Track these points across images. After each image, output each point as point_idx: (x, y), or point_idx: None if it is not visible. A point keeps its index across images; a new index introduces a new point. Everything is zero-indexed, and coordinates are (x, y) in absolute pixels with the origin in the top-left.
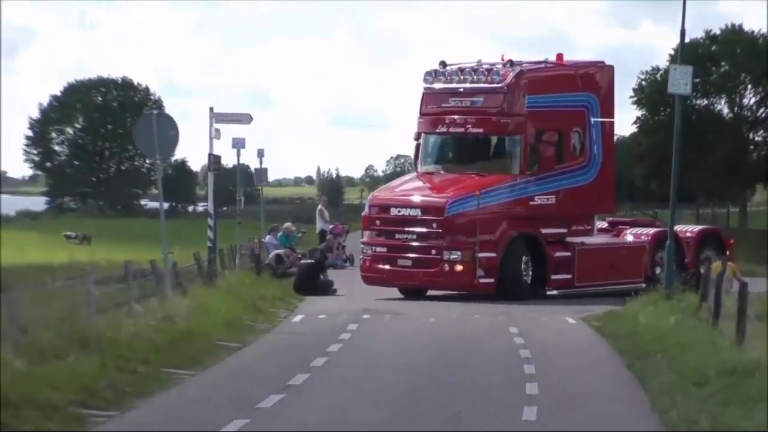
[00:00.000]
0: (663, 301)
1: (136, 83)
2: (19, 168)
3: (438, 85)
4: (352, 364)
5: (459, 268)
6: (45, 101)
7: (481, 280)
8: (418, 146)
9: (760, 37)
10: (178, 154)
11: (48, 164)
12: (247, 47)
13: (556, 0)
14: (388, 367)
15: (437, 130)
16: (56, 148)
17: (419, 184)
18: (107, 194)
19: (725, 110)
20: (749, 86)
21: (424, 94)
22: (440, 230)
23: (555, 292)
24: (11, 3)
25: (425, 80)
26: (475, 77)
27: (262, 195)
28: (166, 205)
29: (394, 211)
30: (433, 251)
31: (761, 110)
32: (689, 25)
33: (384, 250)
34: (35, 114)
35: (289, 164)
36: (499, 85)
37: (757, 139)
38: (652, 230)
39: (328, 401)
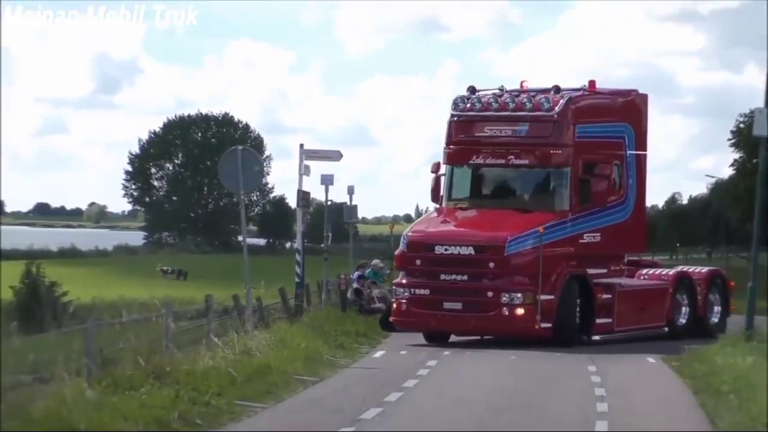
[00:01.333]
0: (743, 342)
1: (236, 120)
2: (119, 203)
3: (471, 112)
4: (427, 400)
5: (520, 312)
6: (145, 137)
7: (542, 325)
8: (438, 179)
9: None
10: (277, 191)
11: (147, 199)
12: (349, 84)
13: (658, 40)
14: (462, 403)
15: (472, 162)
16: (155, 183)
17: (460, 220)
18: (205, 230)
19: None
20: None
21: (452, 121)
22: (498, 270)
23: (598, 337)
24: (115, 38)
25: (455, 106)
26: (517, 104)
27: (350, 231)
28: (263, 242)
29: (439, 250)
30: (489, 293)
31: None
32: None
33: (426, 292)
34: (135, 149)
35: (390, 202)
36: (549, 113)
37: None
38: (671, 272)
39: None
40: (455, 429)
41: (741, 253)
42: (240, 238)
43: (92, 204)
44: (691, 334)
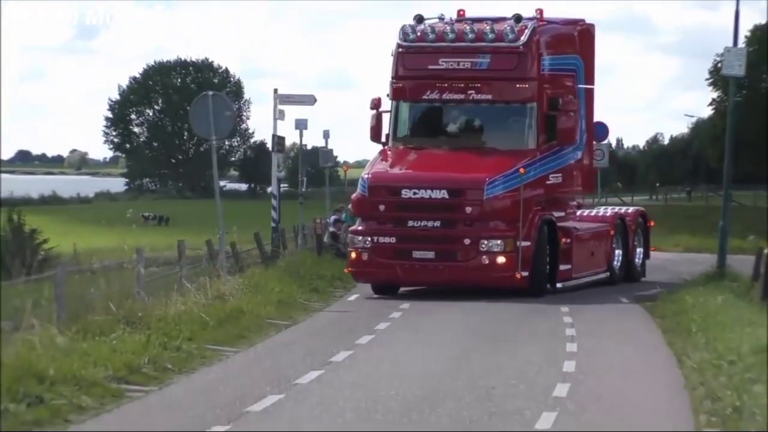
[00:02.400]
0: (715, 282)
1: (215, 65)
2: (100, 150)
3: (424, 43)
4: (396, 343)
5: (501, 260)
6: (124, 83)
7: (522, 274)
8: (379, 116)
9: None
10: (258, 136)
11: (127, 146)
12: (329, 29)
13: None
14: (430, 345)
15: (425, 97)
16: (136, 129)
17: (423, 161)
18: (186, 175)
19: None
20: None
21: (400, 53)
22: (476, 215)
23: (560, 285)
24: None
25: (404, 36)
26: (477, 34)
27: (326, 175)
28: (244, 187)
29: (407, 193)
30: (466, 240)
31: None
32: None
33: (391, 240)
34: (115, 95)
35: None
36: (514, 44)
37: None
38: (607, 212)
39: (364, 378)
40: (424, 370)
41: (720, 191)
42: (222, 183)
43: (73, 151)
44: (624, 279)
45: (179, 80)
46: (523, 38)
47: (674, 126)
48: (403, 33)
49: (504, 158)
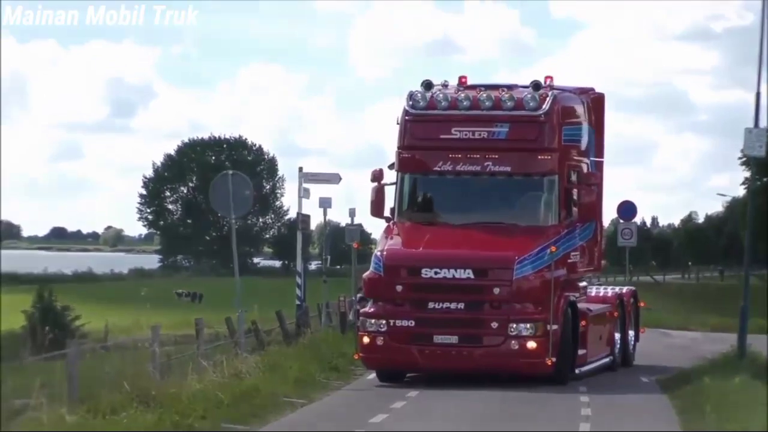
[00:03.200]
0: (735, 361)
1: (249, 142)
2: (135, 227)
3: (435, 110)
4: (412, 421)
5: (531, 345)
6: (159, 160)
7: (552, 360)
8: (381, 189)
9: None
10: (292, 213)
11: (161, 222)
12: (362, 107)
13: (670, 58)
14: (448, 421)
15: (437, 168)
16: (170, 206)
17: (441, 238)
18: (220, 252)
19: None
20: None
21: (409, 120)
22: (504, 296)
23: (578, 371)
24: (129, 62)
25: (413, 104)
26: (495, 101)
27: (353, 253)
28: (278, 264)
29: (427, 273)
30: (494, 324)
31: None
32: None
33: (410, 323)
34: (149, 173)
35: None
36: (535, 112)
37: None
38: (609, 293)
39: None
40: None
41: (754, 272)
42: (256, 260)
43: (108, 228)
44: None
45: (213, 158)
46: (545, 107)
47: (709, 205)
48: (412, 99)
49: (528, 235)
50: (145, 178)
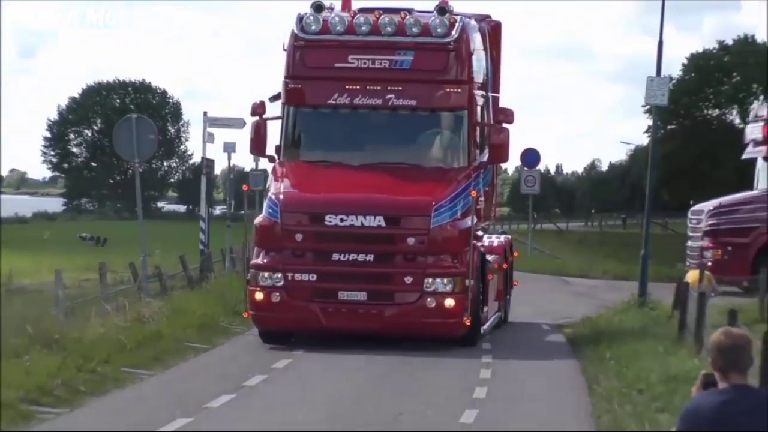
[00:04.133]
0: (636, 309)
1: (153, 86)
2: (39, 169)
3: (329, 35)
4: (312, 367)
5: (450, 302)
6: (63, 103)
7: (468, 320)
8: (262, 124)
9: None
10: (197, 158)
11: (66, 166)
12: (269, 50)
13: (580, 9)
14: (344, 370)
15: (330, 102)
16: (74, 149)
17: (342, 180)
18: (124, 196)
19: (737, 120)
20: (761, 97)
21: (298, 47)
22: (420, 247)
23: (484, 327)
24: (29, 3)
25: (303, 27)
26: (398, 26)
27: (256, 199)
28: (183, 208)
29: (332, 220)
30: (408, 279)
31: None
32: (707, 35)
33: (311, 277)
34: (53, 115)
35: None
36: (444, 39)
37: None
38: (495, 242)
39: (275, 402)
40: (335, 394)
41: (656, 219)
42: (161, 204)
43: (12, 170)
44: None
45: (118, 101)
46: (455, 33)
47: (613, 153)
48: (303, 23)
49: (440, 178)
50: (50, 120)
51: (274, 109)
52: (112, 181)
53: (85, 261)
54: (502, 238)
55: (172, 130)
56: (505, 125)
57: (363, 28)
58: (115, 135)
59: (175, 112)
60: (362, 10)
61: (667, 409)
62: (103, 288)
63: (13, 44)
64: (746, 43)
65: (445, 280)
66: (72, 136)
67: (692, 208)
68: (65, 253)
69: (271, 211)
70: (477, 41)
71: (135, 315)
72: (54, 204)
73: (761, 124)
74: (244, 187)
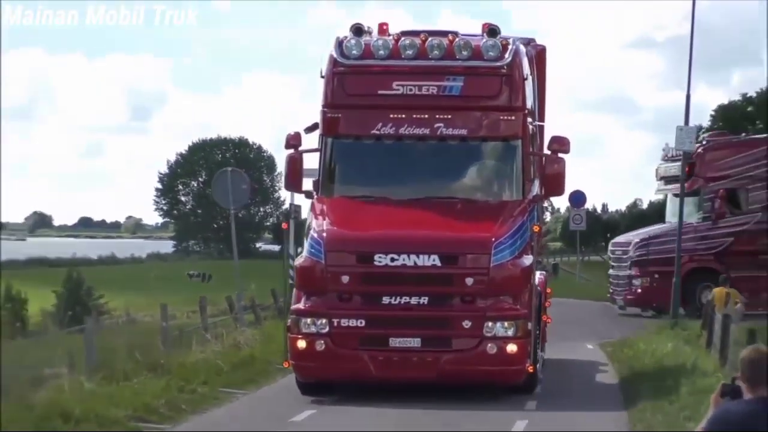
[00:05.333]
0: (668, 330)
1: (251, 142)
2: (152, 216)
3: (371, 60)
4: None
5: (512, 348)
6: (172, 158)
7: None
8: (297, 158)
9: None
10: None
11: (175, 212)
12: None
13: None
14: (409, 394)
15: (374, 132)
16: (182, 198)
17: (390, 217)
18: (225, 239)
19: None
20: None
21: (337, 73)
22: (480, 288)
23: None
24: (146, 69)
25: (342, 52)
26: (446, 50)
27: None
28: (277, 248)
29: (382, 260)
30: (466, 323)
31: None
32: (734, 89)
33: (359, 323)
34: (164, 169)
35: None
36: (497, 63)
37: None
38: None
39: (350, 419)
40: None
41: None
42: (258, 245)
43: (129, 217)
44: None
45: (220, 156)
46: (508, 56)
47: (653, 193)
48: (342, 47)
49: (496, 213)
50: (161, 173)
51: (310, 141)
52: (215, 226)
53: (192, 296)
54: (540, 274)
55: (267, 180)
56: (561, 155)
57: (409, 51)
58: (214, 186)
59: (269, 164)
60: (405, 33)
61: (694, 418)
62: (203, 319)
63: (127, 107)
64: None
65: (506, 324)
66: (180, 186)
67: (613, 241)
68: (174, 289)
69: (313, 250)
70: (526, 65)
71: (231, 342)
72: (165, 246)
73: (677, 163)
74: (284, 226)
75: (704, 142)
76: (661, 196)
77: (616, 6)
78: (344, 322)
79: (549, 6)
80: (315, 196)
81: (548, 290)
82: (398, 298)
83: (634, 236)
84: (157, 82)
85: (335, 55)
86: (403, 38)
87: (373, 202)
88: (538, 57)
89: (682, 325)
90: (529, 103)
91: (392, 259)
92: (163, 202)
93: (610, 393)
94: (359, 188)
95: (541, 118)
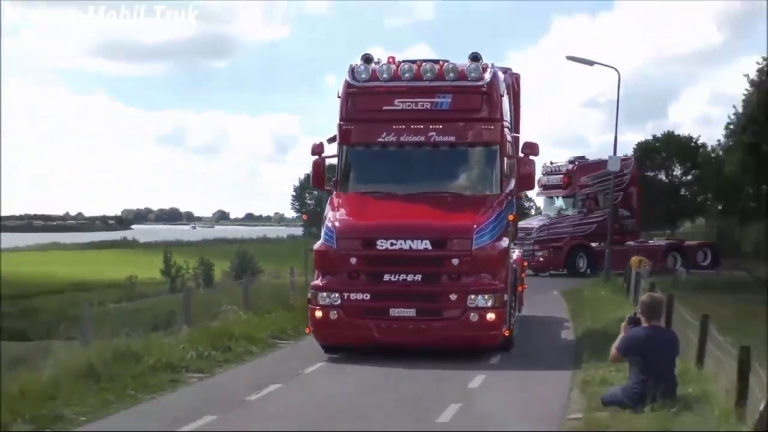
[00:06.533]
0: (602, 283)
1: None
2: (289, 212)
3: (377, 82)
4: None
5: (491, 316)
6: (302, 177)
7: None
8: (321, 162)
9: (684, 138)
10: None
11: (304, 210)
12: None
13: (577, 117)
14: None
15: (380, 140)
16: (308, 201)
17: (391, 209)
18: None
19: (663, 177)
20: (678, 165)
21: (351, 93)
22: (463, 267)
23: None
24: (284, 123)
25: (354, 76)
26: (437, 72)
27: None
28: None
29: (383, 245)
30: (452, 296)
31: (684, 178)
32: (647, 132)
33: (365, 297)
34: (296, 183)
35: None
36: (479, 82)
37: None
38: (517, 253)
39: (340, 373)
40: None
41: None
42: None
43: (276, 213)
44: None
45: None
46: (487, 77)
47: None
48: (354, 72)
49: (478, 205)
50: (295, 186)
51: (331, 149)
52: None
53: (311, 264)
54: (518, 251)
55: None
56: (531, 157)
57: (407, 75)
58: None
59: None
60: (405, 61)
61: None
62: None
63: (274, 145)
64: (670, 135)
65: (486, 296)
66: (307, 195)
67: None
68: (301, 258)
69: (327, 237)
70: (503, 86)
71: None
72: (298, 230)
73: (555, 176)
74: (304, 217)
75: (576, 163)
76: (541, 198)
77: (576, 78)
78: (353, 296)
79: (527, 77)
80: (334, 193)
81: (524, 264)
82: (397, 276)
83: (534, 222)
84: (290, 130)
85: (348, 79)
86: (402, 64)
87: (378, 198)
88: (515, 82)
89: (612, 281)
90: (506, 116)
91: (392, 244)
92: (296, 204)
93: (567, 350)
94: (368, 185)
95: (517, 130)
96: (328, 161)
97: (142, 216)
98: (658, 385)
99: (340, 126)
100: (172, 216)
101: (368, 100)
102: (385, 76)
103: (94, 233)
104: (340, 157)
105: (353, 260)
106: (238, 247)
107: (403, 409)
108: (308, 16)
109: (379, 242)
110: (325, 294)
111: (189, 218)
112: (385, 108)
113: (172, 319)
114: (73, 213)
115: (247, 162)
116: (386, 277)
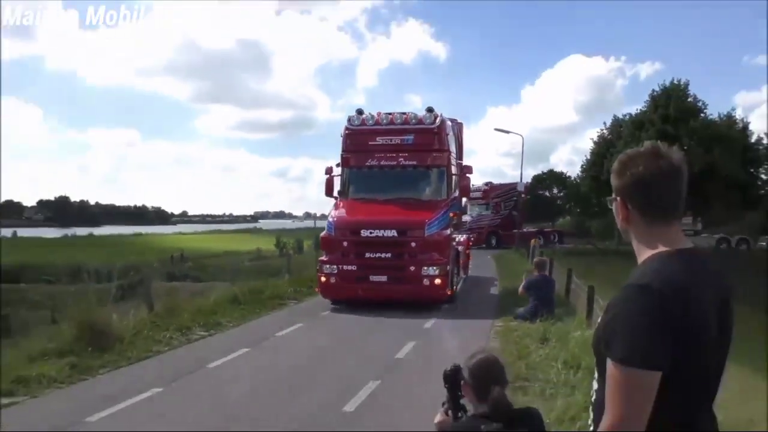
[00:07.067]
0: (514, 251)
1: None
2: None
3: (365, 126)
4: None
5: (437, 281)
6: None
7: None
8: (332, 179)
9: (558, 173)
10: None
11: None
12: None
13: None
14: (368, 309)
15: (367, 164)
16: None
17: (372, 209)
18: None
19: (547, 194)
20: (555, 188)
21: (348, 134)
22: (418, 248)
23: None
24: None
25: (350, 122)
26: (404, 119)
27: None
28: None
29: (365, 233)
30: (411, 268)
31: (558, 194)
32: (544, 167)
33: (353, 268)
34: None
35: None
36: (432, 126)
37: (558, 202)
38: (462, 237)
39: (333, 320)
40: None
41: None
42: None
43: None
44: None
45: None
46: (437, 122)
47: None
48: (350, 120)
49: (430, 206)
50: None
51: (337, 171)
52: None
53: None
54: (465, 236)
55: None
56: (468, 175)
57: (384, 121)
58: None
59: None
60: (385, 113)
61: (518, 282)
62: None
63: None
64: (551, 171)
65: (435, 268)
66: None
67: None
68: None
69: (329, 227)
70: (449, 129)
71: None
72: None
73: (480, 192)
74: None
75: (489, 185)
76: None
77: (499, 139)
78: (345, 268)
79: (471, 140)
80: (338, 199)
81: (469, 243)
82: (374, 254)
83: (466, 218)
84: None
85: (347, 124)
86: (382, 114)
87: (364, 201)
88: (459, 127)
89: (521, 252)
90: (452, 147)
91: (371, 233)
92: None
93: (493, 301)
94: (359, 194)
95: (460, 158)
96: (335, 178)
97: (265, 215)
98: (544, 308)
99: (342, 155)
100: (280, 215)
101: (360, 138)
102: (370, 122)
103: (239, 224)
104: (342, 175)
105: (345, 243)
106: (276, 235)
107: (384, 338)
108: (355, 106)
109: (362, 231)
110: (327, 266)
111: (290, 217)
112: (370, 143)
113: (280, 272)
114: (227, 213)
115: (321, 185)
116: (367, 255)
